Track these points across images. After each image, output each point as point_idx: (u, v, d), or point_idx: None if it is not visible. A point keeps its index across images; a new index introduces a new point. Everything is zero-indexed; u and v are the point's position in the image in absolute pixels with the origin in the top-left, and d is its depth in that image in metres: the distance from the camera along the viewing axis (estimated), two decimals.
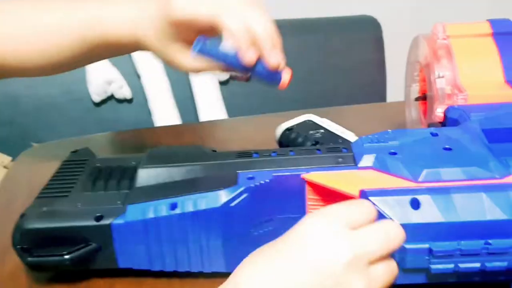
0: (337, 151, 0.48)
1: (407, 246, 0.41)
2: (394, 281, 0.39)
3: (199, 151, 0.50)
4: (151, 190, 0.46)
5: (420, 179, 0.43)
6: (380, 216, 0.41)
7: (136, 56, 1.34)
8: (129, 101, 1.38)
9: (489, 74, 0.60)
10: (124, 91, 1.36)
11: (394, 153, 0.46)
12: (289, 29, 1.51)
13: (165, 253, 0.46)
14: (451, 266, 0.41)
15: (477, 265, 0.41)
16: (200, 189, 0.45)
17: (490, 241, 0.41)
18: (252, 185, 0.45)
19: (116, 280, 0.47)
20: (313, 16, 1.55)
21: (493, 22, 0.63)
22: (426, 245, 0.41)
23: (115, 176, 0.49)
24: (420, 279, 0.43)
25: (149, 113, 1.36)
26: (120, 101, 1.38)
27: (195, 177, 0.47)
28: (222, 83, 1.41)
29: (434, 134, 0.48)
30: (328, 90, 1.50)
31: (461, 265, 0.41)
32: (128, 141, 0.83)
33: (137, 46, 0.55)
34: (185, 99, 1.36)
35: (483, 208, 0.41)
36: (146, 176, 0.47)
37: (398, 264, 0.42)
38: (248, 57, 0.49)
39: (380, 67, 1.55)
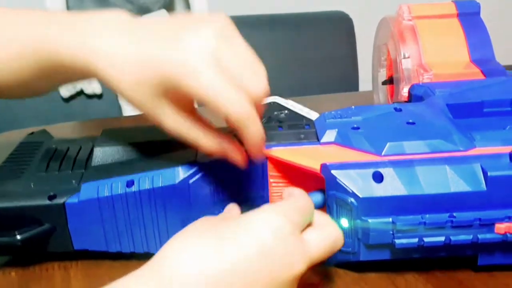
0: (299, 128, 0.47)
1: (371, 220, 0.40)
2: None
3: (158, 130, 0.48)
4: (107, 168, 0.45)
5: (383, 153, 0.42)
6: (341, 188, 0.40)
7: None
8: (99, 96, 1.35)
9: (455, 53, 0.59)
10: (94, 87, 1.33)
11: (357, 128, 0.44)
12: (261, 24, 1.51)
13: (122, 233, 0.44)
14: (416, 240, 0.40)
15: (442, 238, 0.40)
16: (158, 166, 0.43)
17: (454, 214, 0.40)
18: (211, 160, 0.43)
19: (72, 263, 0.45)
20: (285, 12, 1.54)
21: (458, 3, 0.62)
22: (390, 219, 0.40)
23: (70, 156, 0.47)
24: (384, 255, 0.42)
25: (119, 108, 1.34)
26: (90, 96, 1.35)
27: (153, 155, 0.45)
28: None
29: (397, 110, 0.48)
30: (300, 84, 1.49)
31: (426, 239, 0.40)
32: (94, 130, 0.80)
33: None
34: None
35: (447, 181, 0.40)
36: (102, 155, 0.46)
37: (361, 240, 0.41)
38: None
39: (352, 62, 1.55)
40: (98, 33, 0.39)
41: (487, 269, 0.43)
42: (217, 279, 0.31)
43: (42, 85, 0.47)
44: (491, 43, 0.59)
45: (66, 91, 1.32)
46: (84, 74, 0.41)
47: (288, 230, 0.34)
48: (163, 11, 1.38)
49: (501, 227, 0.40)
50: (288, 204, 0.37)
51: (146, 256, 0.44)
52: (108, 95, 1.35)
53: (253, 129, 0.38)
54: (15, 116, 1.30)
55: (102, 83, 0.40)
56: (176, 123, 0.40)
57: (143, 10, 1.34)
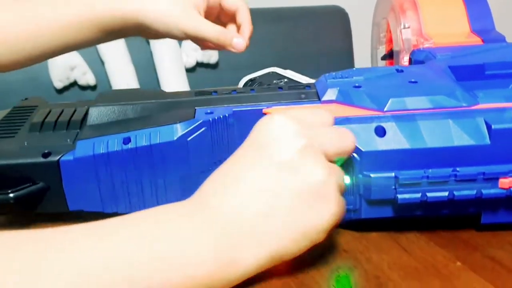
0: (300, 88, 0.46)
1: (373, 175, 0.39)
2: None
3: (155, 91, 0.47)
4: (103, 127, 0.44)
5: (385, 109, 0.41)
6: None
7: None
8: (93, 87, 1.35)
9: (455, 24, 0.59)
10: (88, 78, 1.33)
11: (359, 87, 0.44)
12: (258, 18, 1.50)
13: (118, 193, 0.43)
14: (418, 195, 0.39)
15: (445, 194, 0.39)
16: (155, 123, 0.42)
17: (458, 168, 0.39)
18: (211, 119, 0.42)
19: (65, 224, 0.44)
20: (282, 5, 1.54)
21: None
22: (392, 174, 0.39)
23: (65, 117, 0.46)
24: (386, 212, 0.41)
25: None
26: (84, 87, 1.34)
27: (150, 114, 0.44)
28: (189, 70, 1.39)
29: (399, 71, 0.47)
30: None
31: (429, 194, 0.39)
32: None
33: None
34: (150, 85, 1.33)
35: (450, 135, 0.39)
36: (98, 114, 0.45)
37: (363, 196, 0.40)
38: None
39: (348, 55, 1.55)
40: None
41: (490, 228, 0.42)
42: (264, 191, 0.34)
43: (94, 43, 0.59)
44: (491, 14, 0.59)
45: (59, 82, 1.31)
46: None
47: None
48: None
49: (505, 182, 0.39)
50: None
51: None
52: (103, 86, 1.34)
53: None
54: (8, 107, 1.29)
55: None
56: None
57: None
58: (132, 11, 0.55)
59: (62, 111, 0.47)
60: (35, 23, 0.55)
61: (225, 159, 0.44)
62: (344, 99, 0.43)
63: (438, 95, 0.42)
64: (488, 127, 0.39)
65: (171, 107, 0.45)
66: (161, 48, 1.32)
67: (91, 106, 0.45)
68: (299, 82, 0.52)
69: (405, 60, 0.57)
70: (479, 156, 0.39)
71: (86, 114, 0.46)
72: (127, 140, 0.42)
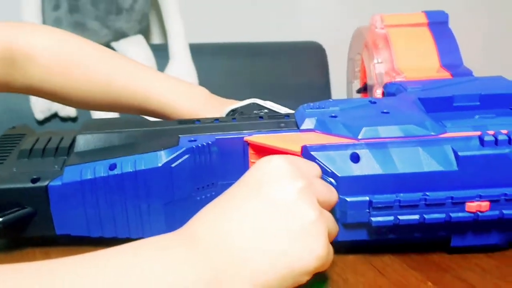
0: (280, 118, 0.49)
1: (348, 199, 0.41)
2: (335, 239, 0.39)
3: (139, 119, 0.49)
4: (89, 154, 0.45)
5: (359, 137, 0.44)
6: (321, 169, 0.41)
7: None
8: (74, 119, 1.36)
9: (426, 59, 0.62)
10: (68, 109, 1.34)
11: (335, 116, 0.46)
12: (240, 52, 1.55)
13: (104, 217, 0.44)
14: (391, 218, 0.42)
15: (416, 217, 0.42)
16: (141, 150, 0.44)
17: (427, 193, 0.41)
18: (194, 146, 0.44)
19: (52, 249, 0.46)
20: (263, 40, 1.58)
21: (428, 13, 0.66)
22: (366, 198, 0.41)
23: (52, 144, 0.48)
24: (361, 235, 0.43)
25: None
26: (64, 119, 1.35)
27: (135, 142, 0.46)
28: None
29: (373, 102, 0.50)
30: None
31: (401, 217, 0.41)
32: None
33: None
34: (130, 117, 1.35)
35: (420, 161, 0.42)
36: (85, 141, 0.46)
37: (339, 220, 0.42)
38: None
39: (325, 89, 1.59)
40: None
41: (460, 251, 0.44)
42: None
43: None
44: (459, 50, 0.62)
45: (40, 113, 1.32)
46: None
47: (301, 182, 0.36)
48: (140, 37, 1.40)
49: (472, 206, 0.41)
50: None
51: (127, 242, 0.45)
52: (83, 118, 1.35)
53: None
54: None
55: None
56: None
57: (119, 35, 1.36)
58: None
59: (50, 138, 0.49)
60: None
61: (207, 185, 0.46)
62: (321, 128, 0.46)
63: (409, 124, 0.44)
64: (456, 154, 0.41)
65: (155, 135, 0.47)
66: None
67: (78, 134, 0.47)
68: (279, 112, 0.54)
69: (378, 92, 0.60)
70: (447, 181, 0.41)
71: (73, 141, 0.47)
72: (113, 166, 0.43)
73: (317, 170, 0.40)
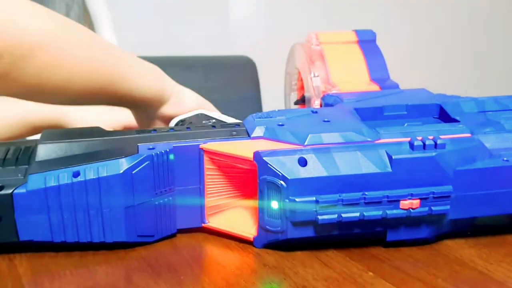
0: (231, 126, 0.52)
1: (297, 199, 0.46)
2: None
3: (98, 129, 0.52)
4: (52, 162, 0.47)
5: (305, 143, 0.48)
6: (272, 172, 0.46)
7: None
8: None
9: (357, 74, 0.68)
10: None
11: (282, 125, 0.51)
12: (172, 65, 1.56)
13: (67, 223, 0.46)
14: (335, 216, 0.46)
15: (357, 214, 0.46)
16: (102, 158, 0.47)
17: (366, 192, 0.47)
18: (153, 153, 0.47)
19: (15, 255, 0.47)
20: (194, 54, 1.61)
21: (358, 32, 0.72)
22: (313, 198, 0.46)
23: (13, 154, 0.49)
24: (309, 232, 0.47)
25: None
26: None
27: (96, 150, 0.49)
28: None
29: (314, 112, 0.55)
30: None
31: (344, 215, 0.46)
32: None
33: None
34: None
35: (359, 164, 0.47)
36: (46, 151, 0.48)
37: (289, 218, 0.46)
38: None
39: (256, 103, 1.64)
40: None
41: (394, 244, 0.49)
42: None
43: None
44: (386, 65, 0.69)
45: None
46: None
47: None
48: None
49: (405, 203, 0.47)
50: None
51: (89, 247, 0.47)
52: None
53: None
54: None
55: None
56: None
57: None
58: None
59: (8, 149, 0.50)
60: None
61: (165, 190, 0.49)
62: (270, 135, 0.50)
63: (348, 131, 0.50)
64: (389, 157, 0.47)
65: (115, 143, 0.49)
66: None
67: (39, 143, 0.49)
68: (226, 122, 0.58)
69: (316, 104, 0.65)
70: (383, 182, 0.47)
71: (33, 151, 0.49)
72: (76, 174, 0.46)
73: None
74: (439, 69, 1.92)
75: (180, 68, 1.56)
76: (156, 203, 0.49)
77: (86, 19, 1.46)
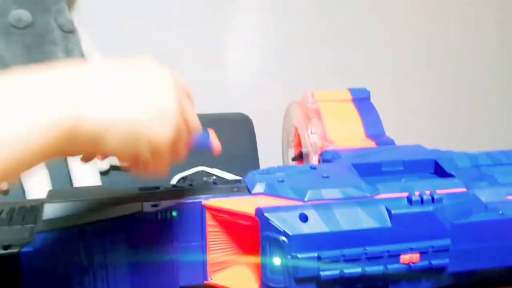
0: (232, 183, 0.54)
1: (300, 255, 0.47)
2: None
3: (102, 188, 0.53)
4: (58, 221, 0.48)
5: (305, 199, 0.49)
6: (273, 228, 0.46)
7: None
8: (5, 192, 1.33)
9: (353, 130, 0.70)
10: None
11: (282, 181, 0.52)
12: None
13: (73, 281, 0.47)
14: (337, 272, 0.47)
15: (359, 270, 0.47)
16: (107, 217, 0.48)
17: (367, 247, 0.47)
18: (157, 211, 0.48)
19: None
20: None
21: (352, 90, 0.74)
22: (315, 254, 0.47)
23: (19, 213, 0.50)
24: None
25: None
26: None
27: (101, 208, 0.49)
28: (103, 173, 1.42)
29: (313, 168, 0.56)
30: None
31: (346, 271, 0.47)
32: None
33: None
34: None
35: (359, 219, 0.48)
36: (53, 210, 0.49)
37: (292, 275, 0.47)
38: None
39: (253, 159, 1.65)
40: None
41: None
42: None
43: None
44: (381, 121, 0.71)
45: None
46: None
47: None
48: None
49: (405, 258, 0.48)
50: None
51: None
52: (14, 192, 1.33)
53: None
54: None
55: None
56: None
57: None
58: None
59: (14, 208, 0.51)
60: None
61: (171, 247, 0.50)
62: (271, 191, 0.51)
63: (347, 187, 0.51)
64: (389, 212, 0.48)
65: (119, 202, 0.50)
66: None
67: (45, 202, 0.50)
68: (227, 179, 0.60)
69: (314, 159, 0.66)
70: (383, 236, 0.48)
71: (39, 210, 0.50)
72: (82, 232, 0.46)
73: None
74: (433, 125, 1.97)
75: None
76: (159, 259, 0.49)
77: None
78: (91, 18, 1.56)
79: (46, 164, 1.34)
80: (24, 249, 0.45)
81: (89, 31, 1.47)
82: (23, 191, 1.32)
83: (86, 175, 1.37)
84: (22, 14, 1.36)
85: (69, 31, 1.43)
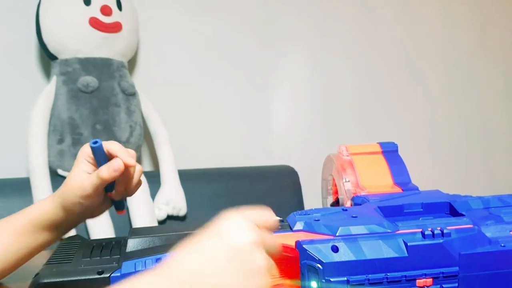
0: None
1: (332, 279, 0.57)
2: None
3: (174, 225, 0.65)
4: (139, 252, 0.61)
5: (337, 234, 0.61)
6: (310, 257, 0.57)
7: None
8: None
9: (382, 179, 0.81)
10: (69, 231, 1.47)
11: (318, 220, 0.63)
12: (220, 176, 1.73)
13: None
14: None
15: None
16: None
17: (388, 273, 0.58)
18: None
19: None
20: (240, 166, 1.77)
21: (382, 144, 0.85)
22: (345, 278, 0.57)
23: (107, 247, 0.63)
24: None
25: None
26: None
27: (175, 241, 0.62)
28: (160, 222, 1.56)
29: (344, 210, 0.67)
30: None
31: None
32: None
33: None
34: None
35: (381, 250, 0.58)
36: (134, 244, 0.62)
37: None
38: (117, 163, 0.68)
39: (298, 208, 1.76)
40: None
41: None
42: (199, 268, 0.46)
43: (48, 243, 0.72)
44: (407, 171, 0.81)
45: None
46: None
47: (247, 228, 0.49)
48: None
49: (420, 282, 0.58)
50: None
51: None
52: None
53: None
54: None
55: None
56: None
57: None
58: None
59: (103, 244, 0.64)
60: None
61: None
62: (308, 228, 0.62)
63: (372, 224, 0.62)
64: (406, 244, 0.58)
65: (188, 236, 0.62)
66: (136, 202, 1.50)
67: (128, 238, 0.62)
68: None
69: (347, 204, 0.77)
70: (401, 264, 0.58)
71: (123, 244, 0.63)
72: (159, 260, 0.59)
73: (265, 219, 0.54)
74: (455, 174, 2.10)
75: (228, 179, 1.72)
76: None
77: (146, 136, 1.65)
78: (149, 81, 1.74)
79: (110, 214, 1.48)
80: (113, 274, 0.58)
81: (147, 93, 1.65)
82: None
83: (145, 224, 1.49)
84: (89, 80, 1.54)
85: (131, 94, 1.60)
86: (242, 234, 0.48)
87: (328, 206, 0.90)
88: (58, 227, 0.71)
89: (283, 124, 1.93)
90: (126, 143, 1.53)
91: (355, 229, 0.61)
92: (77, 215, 0.70)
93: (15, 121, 1.59)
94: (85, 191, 0.68)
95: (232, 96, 1.86)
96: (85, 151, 0.71)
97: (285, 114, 1.94)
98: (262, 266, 0.48)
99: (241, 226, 0.49)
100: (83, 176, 0.69)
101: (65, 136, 1.49)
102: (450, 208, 0.69)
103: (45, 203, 0.71)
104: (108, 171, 0.67)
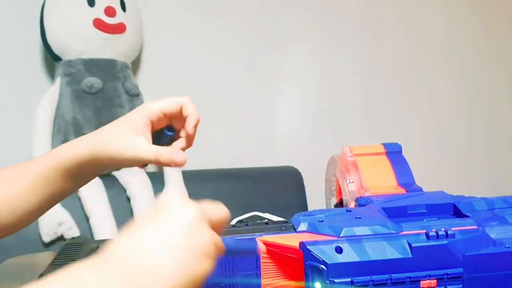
0: (281, 223, 0.65)
1: (336, 280, 0.57)
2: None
3: None
4: None
5: (341, 235, 0.60)
6: (314, 258, 0.57)
7: (85, 199, 1.48)
8: None
9: (386, 180, 0.81)
10: (73, 232, 1.47)
11: (322, 221, 0.63)
12: (224, 177, 1.73)
13: None
14: None
15: None
16: None
17: (392, 274, 0.58)
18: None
19: None
20: (246, 166, 1.77)
21: (385, 145, 0.85)
22: (349, 279, 0.57)
23: None
24: None
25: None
26: None
27: None
28: None
29: (348, 210, 0.67)
30: None
31: None
32: None
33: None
34: None
35: (385, 251, 0.58)
36: None
37: None
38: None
39: (302, 209, 1.76)
40: None
41: None
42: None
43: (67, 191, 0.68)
44: (411, 172, 0.81)
45: (47, 236, 1.45)
46: None
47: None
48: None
49: (425, 283, 0.58)
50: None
51: None
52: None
53: None
54: None
55: None
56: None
57: None
58: (85, 147, 0.66)
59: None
60: (12, 187, 0.65)
61: (230, 274, 0.61)
62: (312, 229, 0.62)
63: (375, 225, 0.62)
64: (410, 245, 0.58)
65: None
66: (140, 202, 1.50)
67: None
68: (278, 220, 0.71)
69: (351, 205, 0.77)
70: (405, 265, 0.58)
71: None
72: None
73: (216, 210, 0.49)
74: (460, 174, 2.09)
75: (232, 180, 1.72)
76: (223, 285, 0.61)
77: None
78: (153, 82, 1.74)
79: (114, 215, 1.48)
80: None
81: (151, 94, 1.65)
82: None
83: None
84: (93, 81, 1.54)
85: (134, 95, 1.60)
86: (183, 210, 0.46)
87: (332, 207, 0.90)
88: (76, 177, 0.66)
89: (287, 125, 1.93)
90: None
91: (359, 230, 0.61)
92: (106, 169, 0.66)
93: (20, 122, 1.59)
94: (134, 161, 0.63)
95: (236, 97, 1.86)
96: (152, 109, 0.65)
97: (289, 115, 1.94)
98: (206, 240, 0.46)
99: (180, 202, 0.46)
100: (140, 145, 0.63)
101: (69, 137, 1.49)
102: (454, 209, 0.69)
103: (74, 147, 0.66)
104: (169, 160, 0.62)
